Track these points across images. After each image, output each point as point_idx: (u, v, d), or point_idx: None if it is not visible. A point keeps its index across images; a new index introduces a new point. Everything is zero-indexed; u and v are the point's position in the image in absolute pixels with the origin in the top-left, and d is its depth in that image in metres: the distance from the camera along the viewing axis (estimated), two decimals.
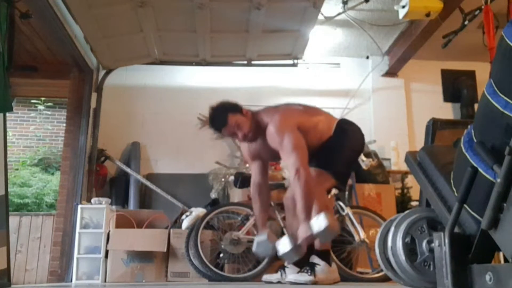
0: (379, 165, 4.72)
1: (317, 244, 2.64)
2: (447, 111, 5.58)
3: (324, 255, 2.67)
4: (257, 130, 2.68)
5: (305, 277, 2.56)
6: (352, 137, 2.87)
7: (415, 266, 1.57)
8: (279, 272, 2.88)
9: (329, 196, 3.63)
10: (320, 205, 2.54)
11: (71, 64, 4.75)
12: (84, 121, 4.78)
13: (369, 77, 5.50)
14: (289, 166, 2.58)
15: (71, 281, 3.96)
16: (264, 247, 2.68)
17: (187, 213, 3.99)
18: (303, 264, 2.67)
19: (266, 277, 2.98)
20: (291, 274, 2.67)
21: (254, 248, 2.70)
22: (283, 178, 4.08)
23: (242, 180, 3.54)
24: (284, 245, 2.45)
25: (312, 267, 2.61)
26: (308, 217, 2.42)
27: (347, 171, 2.95)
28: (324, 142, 2.77)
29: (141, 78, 5.35)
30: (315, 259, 2.65)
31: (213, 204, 3.94)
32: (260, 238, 2.70)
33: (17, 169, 6.50)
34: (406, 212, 1.71)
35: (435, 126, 1.96)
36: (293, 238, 2.46)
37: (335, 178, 2.76)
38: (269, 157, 2.85)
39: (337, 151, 2.78)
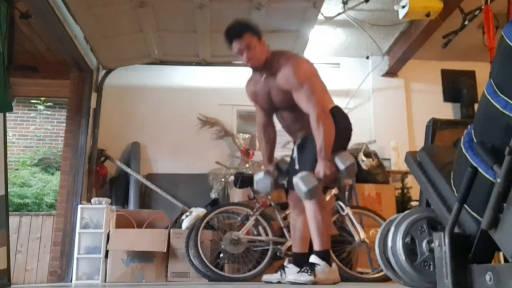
0: (379, 165, 4.72)
1: (317, 244, 2.59)
2: (447, 111, 5.58)
3: (324, 255, 2.62)
4: (265, 65, 2.63)
5: (305, 277, 2.51)
6: (342, 127, 2.74)
7: (415, 266, 1.57)
8: (279, 272, 2.86)
9: (327, 197, 3.63)
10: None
11: (71, 64, 4.75)
12: (84, 121, 4.78)
13: (369, 77, 5.50)
14: (309, 108, 2.52)
15: (71, 281, 3.96)
16: (263, 183, 2.75)
17: (187, 213, 3.99)
18: (303, 264, 2.64)
19: (266, 277, 2.95)
20: (291, 274, 2.62)
21: (254, 186, 2.82)
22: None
23: (242, 180, 3.54)
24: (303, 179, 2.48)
25: (312, 267, 2.56)
26: (328, 155, 2.48)
27: None
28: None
29: (141, 78, 5.35)
30: (315, 259, 2.59)
31: (213, 204, 3.94)
32: (258, 175, 2.77)
33: (17, 169, 6.50)
34: (406, 212, 1.71)
35: (435, 126, 1.96)
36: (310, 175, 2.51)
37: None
38: (272, 104, 2.75)
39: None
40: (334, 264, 2.66)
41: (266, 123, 2.88)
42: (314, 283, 2.48)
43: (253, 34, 2.58)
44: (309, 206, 2.58)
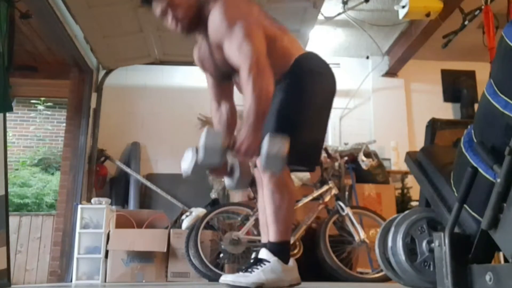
0: (379, 165, 4.72)
1: (271, 233, 1.96)
2: (447, 111, 5.58)
3: (279, 249, 1.95)
4: (197, 21, 2.00)
5: (247, 278, 1.89)
6: (315, 85, 2.03)
7: (415, 266, 1.57)
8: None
9: (327, 198, 3.63)
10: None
11: (71, 64, 4.75)
12: (84, 121, 4.78)
13: (369, 77, 5.50)
14: (240, 60, 1.80)
15: (71, 281, 3.96)
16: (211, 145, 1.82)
17: (187, 213, 3.99)
18: (248, 260, 2.08)
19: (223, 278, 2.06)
20: (230, 274, 2.03)
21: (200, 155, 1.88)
22: None
23: None
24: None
25: (259, 264, 1.93)
26: (255, 124, 1.76)
27: (308, 140, 2.02)
28: (278, 79, 1.93)
29: (141, 78, 5.35)
30: (265, 254, 1.95)
31: (213, 204, 3.94)
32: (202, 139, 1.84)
33: (17, 169, 6.50)
34: (406, 212, 1.71)
35: (435, 126, 1.96)
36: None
37: (298, 155, 1.89)
38: (218, 68, 2.09)
39: (288, 107, 1.98)
40: (292, 261, 1.99)
41: (218, 95, 2.20)
42: (259, 286, 1.88)
43: None
44: (267, 182, 1.97)
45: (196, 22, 2.00)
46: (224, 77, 2.12)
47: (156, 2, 1.98)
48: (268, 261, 1.93)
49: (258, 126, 1.78)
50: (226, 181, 1.99)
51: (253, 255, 2.02)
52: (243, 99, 1.82)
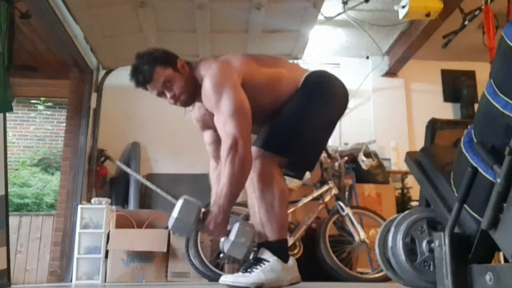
0: (379, 165, 4.72)
1: (267, 232, 1.95)
2: (447, 111, 5.59)
3: (278, 248, 1.95)
4: (195, 90, 2.03)
5: (246, 278, 1.88)
6: (326, 96, 2.07)
7: (415, 266, 1.57)
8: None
9: (327, 198, 3.63)
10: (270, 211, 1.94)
11: (71, 64, 4.75)
12: (84, 121, 4.78)
13: (369, 77, 5.50)
14: (223, 136, 1.87)
15: (71, 281, 3.96)
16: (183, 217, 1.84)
17: None
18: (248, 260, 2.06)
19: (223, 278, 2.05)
20: (230, 274, 2.01)
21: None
22: None
23: None
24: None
25: (258, 264, 1.91)
26: (225, 206, 1.82)
27: (310, 151, 2.08)
28: (281, 106, 2.01)
29: None
30: (264, 253, 1.94)
31: None
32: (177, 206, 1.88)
33: (17, 169, 6.50)
34: (406, 212, 1.71)
35: (435, 126, 1.96)
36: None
37: (289, 162, 2.01)
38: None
39: (296, 117, 2.00)
40: (292, 260, 1.98)
41: (216, 151, 2.22)
42: (259, 286, 1.87)
43: (165, 66, 2.01)
44: (256, 182, 1.96)
45: (193, 93, 2.05)
46: None
47: (151, 85, 2.03)
48: (268, 261, 1.91)
49: (228, 209, 1.84)
50: (221, 243, 1.97)
51: (251, 256, 2.00)
52: (221, 165, 1.88)
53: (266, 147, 1.98)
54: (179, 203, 1.86)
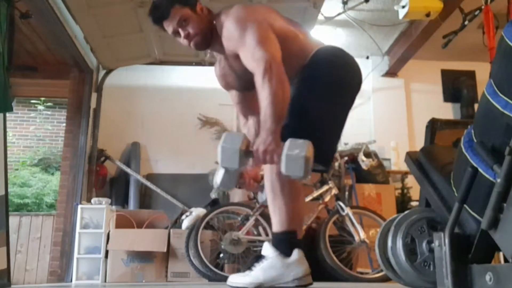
0: (379, 165, 4.72)
1: (274, 224, 1.82)
2: (447, 111, 5.59)
3: (279, 240, 1.81)
4: (210, 35, 1.98)
5: (244, 278, 1.80)
6: (338, 76, 1.93)
7: (415, 266, 1.57)
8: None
9: (327, 198, 3.63)
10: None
11: (71, 64, 4.75)
12: (84, 121, 4.79)
13: (369, 77, 5.49)
14: (253, 66, 1.76)
15: (71, 281, 3.96)
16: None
17: (187, 213, 3.99)
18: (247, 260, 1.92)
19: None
20: (235, 274, 1.91)
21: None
22: None
23: None
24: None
25: (259, 262, 1.81)
26: (273, 127, 1.67)
27: (326, 136, 1.91)
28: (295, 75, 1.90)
29: (141, 78, 5.35)
30: (267, 248, 1.82)
31: (213, 204, 3.94)
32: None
33: (17, 169, 6.50)
34: (406, 212, 1.71)
35: (435, 126, 1.96)
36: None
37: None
38: (242, 80, 2.04)
39: (306, 100, 1.87)
40: (298, 252, 1.81)
41: (244, 109, 2.18)
42: (258, 286, 1.77)
43: (183, 5, 1.98)
44: (268, 171, 1.85)
45: (209, 37, 1.99)
46: (248, 87, 2.00)
47: (167, 22, 1.99)
48: (268, 258, 1.80)
49: (276, 130, 1.68)
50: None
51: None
52: (258, 92, 1.75)
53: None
54: (222, 137, 1.73)
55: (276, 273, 1.77)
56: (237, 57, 1.89)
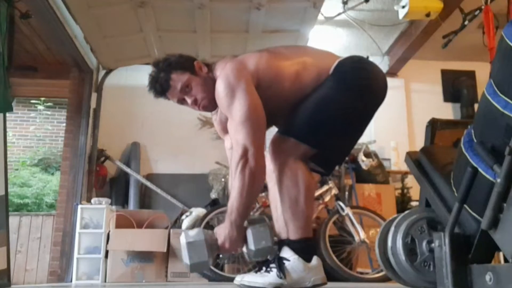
0: (379, 165, 4.72)
1: (290, 230, 1.81)
2: (447, 111, 5.58)
3: (300, 247, 1.80)
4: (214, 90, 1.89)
5: (264, 278, 1.77)
6: (359, 83, 1.89)
7: (415, 266, 1.57)
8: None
9: (327, 198, 3.63)
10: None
11: (71, 64, 4.75)
12: (84, 121, 4.78)
13: None
14: (233, 143, 1.77)
15: (71, 281, 3.96)
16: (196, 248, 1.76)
17: (187, 213, 3.99)
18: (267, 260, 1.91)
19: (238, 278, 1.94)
20: (247, 274, 1.89)
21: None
22: None
23: None
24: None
25: (278, 264, 1.78)
26: (240, 222, 1.74)
27: (338, 143, 1.90)
28: (309, 94, 1.86)
29: (141, 78, 5.28)
30: (285, 252, 1.80)
31: (213, 204, 3.94)
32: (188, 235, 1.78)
33: (17, 169, 6.50)
34: (406, 212, 1.71)
35: (435, 126, 1.96)
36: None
37: (316, 155, 1.84)
38: None
39: (324, 103, 1.83)
40: (317, 259, 1.82)
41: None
42: (278, 287, 1.75)
43: (182, 71, 1.91)
44: (279, 174, 1.82)
45: (214, 97, 1.90)
46: None
47: (170, 92, 1.93)
48: (288, 260, 1.78)
49: (241, 223, 1.75)
50: (245, 254, 1.89)
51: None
52: (232, 176, 1.79)
53: (290, 133, 1.83)
54: (184, 247, 1.75)
55: (297, 276, 1.77)
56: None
